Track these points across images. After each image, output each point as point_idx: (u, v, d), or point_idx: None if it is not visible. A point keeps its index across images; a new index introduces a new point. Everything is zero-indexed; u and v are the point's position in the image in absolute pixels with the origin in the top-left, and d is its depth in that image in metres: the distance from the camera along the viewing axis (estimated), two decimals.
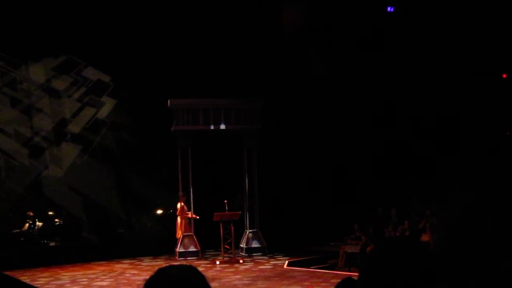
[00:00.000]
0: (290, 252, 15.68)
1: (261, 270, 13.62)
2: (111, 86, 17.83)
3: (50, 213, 16.89)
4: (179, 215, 15.68)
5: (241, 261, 14.81)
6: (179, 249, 15.71)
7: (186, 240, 15.80)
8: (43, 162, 17.14)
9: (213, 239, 15.46)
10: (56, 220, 16.91)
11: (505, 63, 15.99)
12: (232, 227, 14.82)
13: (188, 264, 2.01)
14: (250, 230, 16.44)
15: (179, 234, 15.66)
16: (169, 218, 16.72)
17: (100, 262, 15.14)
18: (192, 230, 15.79)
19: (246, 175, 16.69)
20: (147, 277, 1.93)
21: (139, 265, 14.95)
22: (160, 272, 1.98)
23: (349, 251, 13.88)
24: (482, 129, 15.86)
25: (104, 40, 16.14)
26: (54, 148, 17.36)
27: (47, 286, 12.09)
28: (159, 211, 18.07)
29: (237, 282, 12.08)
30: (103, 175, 17.29)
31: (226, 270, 13.65)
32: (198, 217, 15.72)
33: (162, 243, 16.33)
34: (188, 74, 16.59)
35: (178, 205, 15.71)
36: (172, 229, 15.88)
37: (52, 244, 16.19)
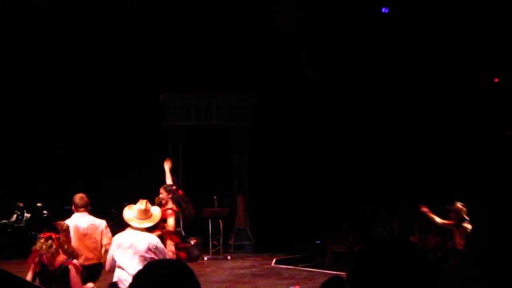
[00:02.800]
0: (278, 249, 15.69)
1: (249, 267, 13.63)
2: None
3: (39, 204, 16.81)
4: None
5: (229, 257, 14.82)
6: None
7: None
8: None
9: (201, 235, 15.45)
10: (44, 211, 16.82)
11: (496, 67, 16.07)
12: (221, 223, 14.82)
13: (177, 259, 2.02)
14: (239, 227, 16.45)
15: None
16: None
17: None
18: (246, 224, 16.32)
19: (236, 172, 16.72)
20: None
21: None
22: (150, 266, 1.99)
23: (337, 250, 13.91)
24: (478, 130, 15.96)
25: (96, 34, 16.05)
26: None
27: None
28: None
29: (224, 278, 12.09)
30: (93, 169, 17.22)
31: (213, 266, 13.65)
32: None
33: None
34: (181, 69, 16.56)
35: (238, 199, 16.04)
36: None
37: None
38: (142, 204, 6.25)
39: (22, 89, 16.38)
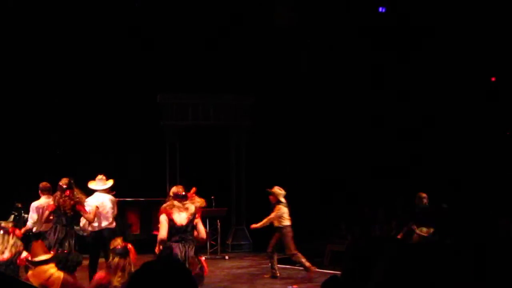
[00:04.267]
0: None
1: (246, 267, 13.62)
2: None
3: None
4: None
5: (226, 257, 14.82)
6: None
7: None
8: None
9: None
10: None
11: (493, 66, 16.10)
12: (219, 223, 14.81)
13: (173, 259, 2.02)
14: (237, 227, 16.44)
15: None
16: None
17: (86, 256, 15.03)
18: None
19: (234, 171, 16.71)
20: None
21: None
22: (146, 266, 1.98)
23: (335, 249, 13.89)
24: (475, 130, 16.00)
25: (95, 33, 16.03)
26: None
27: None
28: None
29: (222, 278, 12.08)
30: (91, 168, 17.19)
31: (211, 266, 13.61)
32: None
33: (148, 238, 16.28)
34: (179, 69, 16.55)
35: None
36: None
37: None
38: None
39: (20, 90, 16.34)
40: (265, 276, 12.23)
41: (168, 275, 1.90)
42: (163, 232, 8.08)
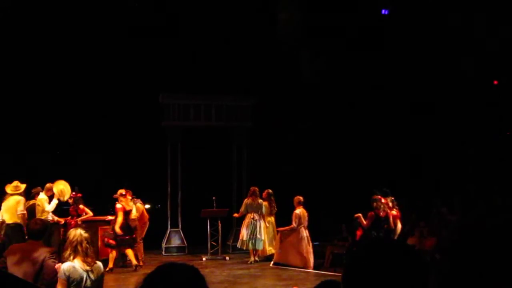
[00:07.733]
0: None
1: (247, 268, 13.62)
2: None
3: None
4: None
5: (227, 258, 14.81)
6: (165, 244, 15.72)
7: (172, 235, 15.83)
8: None
9: (200, 236, 15.45)
10: None
11: (496, 70, 16.09)
12: (220, 224, 14.80)
13: (190, 264, 1.99)
14: (238, 228, 16.41)
15: None
16: (156, 213, 16.68)
17: None
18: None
19: (236, 172, 16.70)
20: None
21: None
22: (161, 270, 1.94)
23: (335, 251, 13.89)
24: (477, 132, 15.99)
25: (96, 33, 16.04)
26: None
27: None
28: (147, 206, 18.00)
29: (222, 279, 12.08)
30: (92, 168, 17.21)
31: (212, 266, 13.64)
32: None
33: (150, 238, 16.27)
34: (180, 69, 16.56)
35: None
36: (158, 223, 15.89)
37: None
38: None
39: (21, 89, 16.36)
40: None
41: (185, 282, 1.88)
42: None
